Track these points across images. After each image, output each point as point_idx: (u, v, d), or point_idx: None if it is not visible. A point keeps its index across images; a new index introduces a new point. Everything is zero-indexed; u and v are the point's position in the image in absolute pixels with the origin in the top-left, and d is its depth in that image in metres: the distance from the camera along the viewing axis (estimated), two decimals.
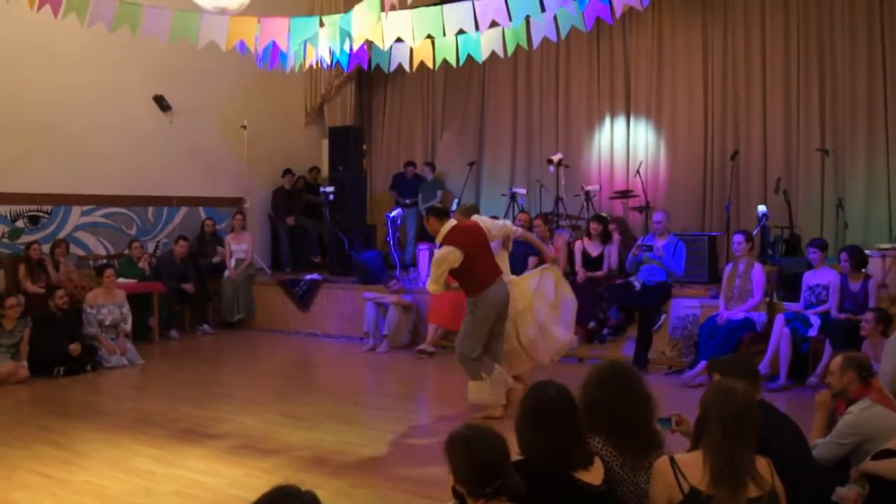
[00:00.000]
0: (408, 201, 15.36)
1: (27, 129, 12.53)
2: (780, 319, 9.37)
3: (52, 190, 12.98)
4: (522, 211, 12.38)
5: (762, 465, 3.54)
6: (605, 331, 10.93)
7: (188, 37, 7.99)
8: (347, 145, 15.78)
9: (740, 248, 9.87)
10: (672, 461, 3.53)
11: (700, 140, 13.53)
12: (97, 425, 7.82)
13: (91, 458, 6.72)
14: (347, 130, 16.16)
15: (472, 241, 7.99)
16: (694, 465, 3.49)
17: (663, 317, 10.56)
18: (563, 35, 8.49)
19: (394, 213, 14.06)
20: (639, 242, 10.84)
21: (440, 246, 8.04)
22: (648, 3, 7.61)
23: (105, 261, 13.03)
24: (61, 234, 12.97)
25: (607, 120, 14.49)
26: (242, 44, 8.17)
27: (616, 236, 11.30)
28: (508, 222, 9.00)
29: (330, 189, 14.73)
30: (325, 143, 16.60)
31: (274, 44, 8.26)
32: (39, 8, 7.70)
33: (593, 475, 3.52)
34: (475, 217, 8.51)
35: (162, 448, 7.02)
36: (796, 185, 12.50)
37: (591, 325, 10.94)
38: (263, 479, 6.10)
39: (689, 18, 13.65)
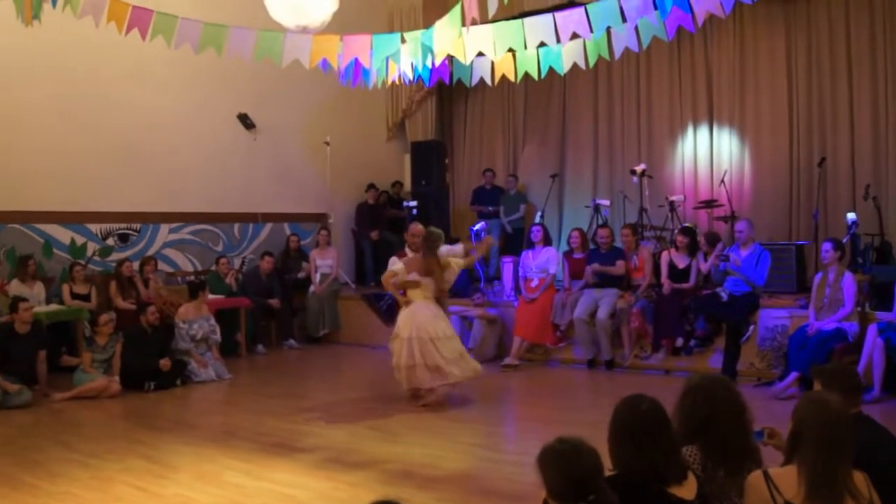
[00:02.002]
0: (490, 209, 15.37)
1: (116, 149, 12.83)
2: (872, 329, 9.14)
3: (141, 208, 13.26)
4: (602, 225, 12.30)
5: (859, 479, 3.45)
6: (693, 342, 10.79)
7: (272, 56, 8.09)
8: (430, 159, 15.89)
9: (828, 256, 9.65)
10: (766, 475, 3.46)
11: (785, 147, 13.33)
12: (188, 439, 7.95)
13: (182, 472, 6.82)
14: (429, 145, 16.27)
15: None
16: (789, 480, 3.42)
17: (752, 328, 10.38)
18: (644, 45, 8.43)
19: (478, 227, 14.04)
20: (723, 252, 10.70)
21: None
22: (731, 10, 7.51)
23: (192, 277, 13.24)
24: (150, 252, 13.26)
25: (690, 129, 14.34)
26: (325, 61, 8.26)
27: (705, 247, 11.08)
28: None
29: (413, 203, 14.80)
30: (408, 157, 16.70)
31: (356, 61, 8.33)
32: (128, 31, 7.86)
33: (686, 490, 3.47)
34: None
35: (251, 462, 7.09)
36: (886, 191, 12.22)
37: (679, 341, 10.82)
38: (351, 492, 6.16)
39: (772, 24, 13.46)
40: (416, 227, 9.98)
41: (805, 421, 3.48)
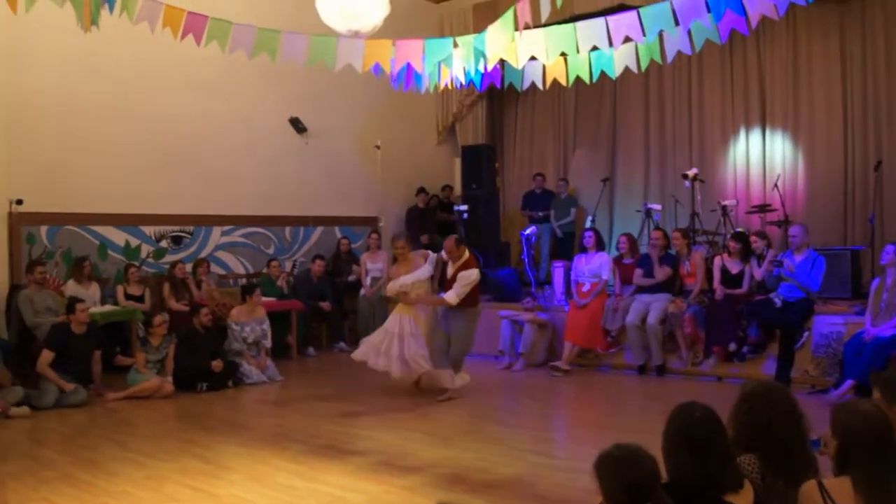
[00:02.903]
0: (540, 214, 15.36)
1: (170, 152, 12.99)
2: None
3: (194, 211, 13.41)
4: (657, 228, 12.25)
5: None
6: (745, 349, 10.67)
7: (325, 60, 8.15)
8: (480, 163, 15.90)
9: (888, 258, 9.40)
10: (820, 486, 3.42)
11: (840, 151, 13.20)
12: (240, 440, 8.00)
13: (236, 472, 6.87)
14: (480, 148, 16.28)
15: None
16: (844, 491, 3.37)
17: (806, 334, 10.25)
18: (697, 48, 8.38)
19: (528, 231, 14.06)
20: (777, 258, 10.59)
21: (466, 268, 9.78)
22: (784, 12, 7.44)
23: (244, 279, 13.35)
24: (203, 254, 13.40)
25: (742, 132, 14.26)
26: (377, 66, 8.29)
27: (759, 247, 10.95)
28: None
29: (464, 207, 14.84)
30: (458, 161, 16.74)
31: (409, 65, 8.36)
32: (183, 37, 7.95)
33: (743, 498, 3.42)
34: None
35: (303, 463, 7.13)
36: None
37: (732, 346, 10.71)
38: (403, 496, 6.16)
39: (826, 26, 13.34)
40: (447, 242, 10.12)
41: (853, 433, 3.43)
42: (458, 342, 9.89)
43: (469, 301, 9.83)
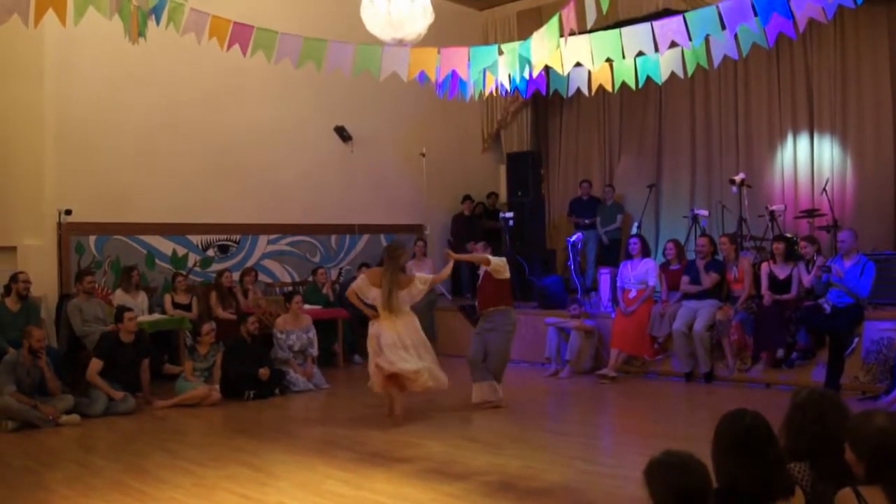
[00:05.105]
0: (587, 221, 15.30)
1: (217, 162, 13.10)
2: None
3: (240, 220, 13.51)
4: (703, 234, 12.15)
5: None
6: (794, 355, 10.56)
7: (371, 69, 8.18)
8: (525, 170, 15.85)
9: None
10: (857, 493, 3.37)
11: (890, 154, 13.03)
12: (288, 447, 8.04)
13: (284, 480, 6.90)
14: (525, 156, 16.25)
15: None
16: (880, 498, 3.33)
17: (856, 340, 10.13)
18: (744, 52, 8.32)
19: (574, 238, 14.01)
20: (825, 263, 10.46)
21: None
22: (833, 15, 7.36)
23: (290, 288, 13.40)
24: (249, 263, 13.48)
25: (789, 137, 14.12)
26: (422, 74, 8.31)
27: (809, 252, 10.82)
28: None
29: (509, 214, 14.80)
30: (503, 168, 16.73)
31: (454, 73, 8.37)
32: (229, 47, 8.01)
33: None
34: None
35: (351, 471, 7.13)
36: None
37: (780, 353, 10.60)
38: (451, 503, 6.16)
39: (875, 29, 13.18)
40: (474, 247, 10.26)
41: (880, 453, 3.38)
42: (496, 355, 9.86)
43: (505, 319, 9.99)
